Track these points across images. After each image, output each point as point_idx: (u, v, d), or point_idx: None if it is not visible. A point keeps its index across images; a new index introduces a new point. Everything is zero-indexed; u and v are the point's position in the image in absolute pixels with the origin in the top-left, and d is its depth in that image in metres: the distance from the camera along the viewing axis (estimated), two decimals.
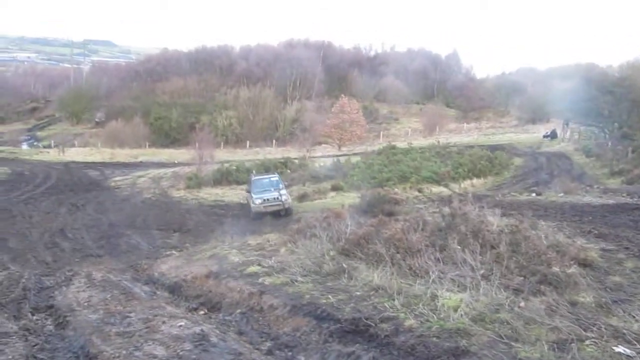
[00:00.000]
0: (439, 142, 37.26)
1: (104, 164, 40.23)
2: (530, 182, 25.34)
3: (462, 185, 25.69)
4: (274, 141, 54.10)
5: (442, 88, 72.17)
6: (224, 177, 30.50)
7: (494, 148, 33.83)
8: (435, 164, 28.96)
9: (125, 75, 64.40)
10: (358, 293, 5.50)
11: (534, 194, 14.85)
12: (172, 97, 58.66)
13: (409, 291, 5.35)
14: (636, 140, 25.42)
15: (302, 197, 24.72)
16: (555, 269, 6.08)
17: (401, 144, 39.43)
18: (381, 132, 55.62)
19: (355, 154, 39.86)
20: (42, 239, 17.96)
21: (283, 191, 21.42)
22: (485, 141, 41.74)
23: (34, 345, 4.77)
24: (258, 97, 57.38)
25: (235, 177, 30.19)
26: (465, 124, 55.93)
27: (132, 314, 5.65)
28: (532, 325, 4.47)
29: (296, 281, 6.08)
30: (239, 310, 5.66)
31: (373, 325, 4.68)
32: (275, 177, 23.27)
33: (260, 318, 5.36)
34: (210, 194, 28.50)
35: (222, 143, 51.55)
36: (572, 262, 6.41)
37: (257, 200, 20.81)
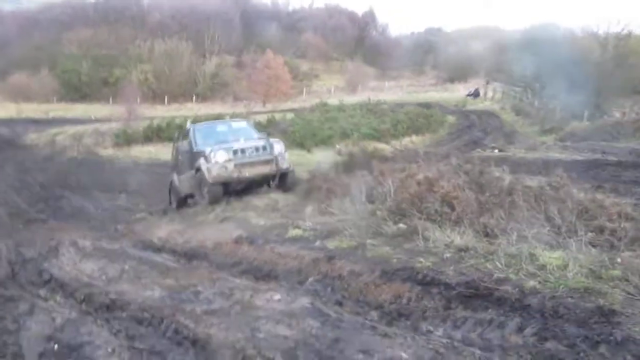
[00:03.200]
0: (369, 99, 37.30)
1: (11, 120, 36.89)
2: (467, 139, 26.12)
3: (402, 142, 25.97)
4: (194, 97, 51.97)
5: (360, 45, 72.25)
6: (155, 134, 28.83)
7: (422, 106, 34.49)
8: (374, 122, 29.03)
9: (24, 23, 58.42)
10: (448, 255, 5.21)
11: (496, 151, 15.18)
12: (81, 49, 54.29)
13: (499, 251, 5.12)
14: (561, 99, 26.78)
15: None
16: (610, 224, 6.12)
17: (330, 101, 39.17)
18: (303, 89, 54.96)
19: (282, 111, 39.14)
20: None
21: (272, 141, 10.79)
22: (411, 99, 42.45)
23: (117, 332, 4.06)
24: (175, 51, 54.52)
25: (168, 134, 28.57)
26: (387, 83, 56.54)
27: (199, 288, 5.02)
28: None
29: (365, 244, 5.67)
30: (311, 279, 5.18)
31: (495, 288, 4.42)
32: (241, 124, 12.72)
33: (346, 286, 4.92)
34: (142, 152, 26.94)
35: (137, 98, 48.73)
36: (617, 217, 6.48)
37: (218, 157, 10.01)
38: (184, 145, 12.07)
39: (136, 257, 7.16)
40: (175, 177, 12.35)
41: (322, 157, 23.84)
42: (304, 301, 4.50)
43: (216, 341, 3.81)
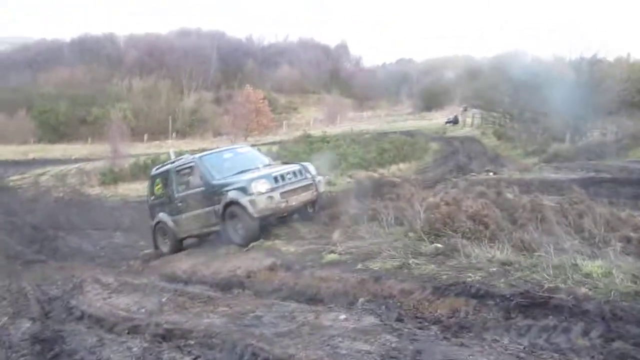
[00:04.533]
0: (352, 129, 37.84)
1: None
2: (452, 165, 26.55)
3: (390, 170, 26.33)
4: (173, 134, 51.98)
5: (335, 77, 73.49)
6: (142, 171, 28.70)
7: (405, 134, 35.12)
8: (359, 151, 29.43)
9: None
10: (493, 269, 5.40)
11: (491, 173, 15.55)
12: (58, 89, 54.08)
13: (542, 263, 5.35)
14: (541, 123, 27.62)
15: None
16: (635, 234, 6.44)
17: (313, 133, 39.57)
18: (283, 122, 55.48)
19: (265, 144, 39.36)
20: None
21: (305, 164, 10.22)
22: (391, 128, 43.18)
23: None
24: (153, 88, 54.78)
25: (162, 164, 28.34)
26: (365, 113, 57.48)
27: (258, 313, 5.12)
28: None
29: (409, 264, 5.85)
30: (361, 299, 5.32)
31: (549, 297, 4.62)
32: (247, 149, 12.05)
33: (399, 304, 5.08)
34: (130, 189, 26.70)
35: (123, 136, 48.39)
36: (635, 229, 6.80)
37: (260, 187, 8.96)
38: (185, 180, 10.54)
39: (170, 290, 7.18)
40: (165, 217, 10.70)
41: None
42: (371, 319, 4.63)
43: None
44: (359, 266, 6.19)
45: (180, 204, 10.38)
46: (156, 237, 11.23)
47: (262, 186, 8.98)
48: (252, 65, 67.74)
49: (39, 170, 33.31)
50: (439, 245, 6.21)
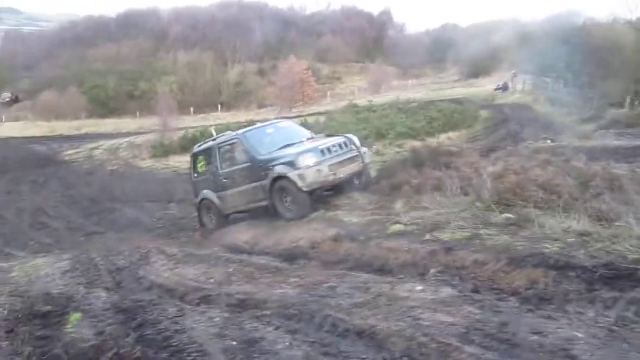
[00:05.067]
0: (398, 98, 37.30)
1: (47, 138, 37.73)
2: (504, 133, 25.89)
3: (440, 139, 25.87)
4: (219, 106, 52.48)
5: (379, 46, 72.30)
6: (191, 144, 29.13)
7: (452, 103, 34.33)
8: (408, 120, 29.03)
9: (49, 43, 59.62)
10: (571, 240, 5.24)
11: (548, 141, 15.07)
12: (106, 65, 55.26)
13: (624, 234, 5.15)
14: (598, 88, 26.54)
15: None
16: None
17: (359, 102, 39.20)
18: (327, 92, 55.15)
19: (311, 115, 39.24)
20: (23, 220, 16.55)
21: (350, 136, 10.24)
22: (438, 96, 42.28)
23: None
24: (198, 62, 55.23)
25: (204, 141, 28.78)
26: (410, 81, 56.51)
27: (332, 284, 5.12)
28: None
29: (480, 235, 5.73)
30: (433, 270, 5.24)
31: (635, 268, 4.45)
32: (287, 123, 12.34)
33: (473, 275, 4.98)
34: (181, 162, 27.14)
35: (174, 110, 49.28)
36: None
37: (308, 161, 8.99)
38: (229, 156, 10.55)
39: (235, 261, 7.26)
40: (210, 194, 10.80)
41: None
42: (449, 291, 4.56)
43: (381, 331, 3.88)
44: (427, 237, 6.11)
45: (225, 181, 10.45)
46: (201, 214, 11.34)
47: (310, 159, 9.00)
48: (294, 35, 67.36)
49: (92, 145, 34.30)
50: (510, 216, 6.06)
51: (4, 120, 46.38)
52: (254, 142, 10.11)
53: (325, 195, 9.80)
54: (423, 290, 4.62)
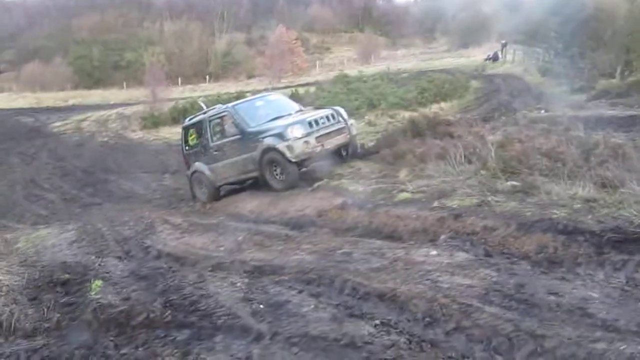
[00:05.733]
0: (388, 68, 37.18)
1: (33, 110, 37.25)
2: (495, 103, 26.00)
3: (431, 109, 25.92)
4: (207, 77, 51.91)
5: (367, 15, 71.58)
6: (181, 115, 28.97)
7: (442, 73, 34.30)
8: (399, 90, 29.02)
9: (33, 12, 58.27)
10: (577, 206, 5.38)
11: (542, 111, 15.21)
12: (91, 34, 54.21)
13: (629, 199, 5.30)
14: (588, 58, 26.61)
15: None
16: None
17: (349, 72, 39.02)
18: (316, 62, 54.73)
19: (300, 85, 39.06)
20: (16, 192, 16.47)
21: (337, 108, 10.38)
22: (428, 66, 42.23)
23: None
24: (184, 31, 54.32)
25: (192, 114, 28.62)
26: (399, 51, 56.22)
27: (346, 250, 5.24)
28: None
29: (488, 201, 5.86)
30: (443, 236, 5.38)
31: None
32: (277, 96, 12.65)
33: (483, 240, 5.12)
34: (172, 132, 26.99)
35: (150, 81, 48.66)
36: None
37: (296, 133, 9.18)
38: (220, 128, 10.71)
39: (242, 229, 7.35)
40: (201, 166, 10.93)
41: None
42: (463, 255, 4.70)
43: (402, 294, 4.01)
44: (435, 204, 6.22)
45: (216, 153, 10.62)
46: (193, 186, 11.51)
47: (297, 131, 9.19)
48: (282, 4, 66.48)
49: (80, 116, 33.94)
50: (516, 183, 6.19)
51: None
52: (243, 114, 10.30)
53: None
54: (438, 255, 4.76)
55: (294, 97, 30.15)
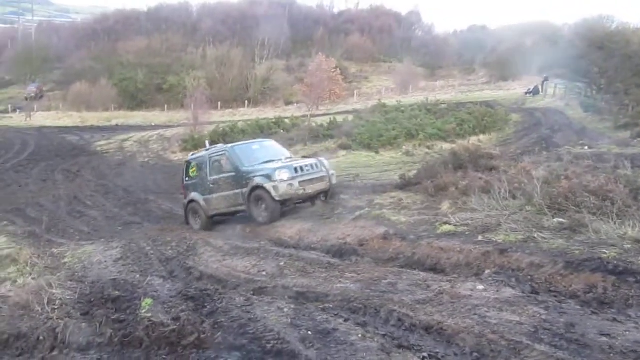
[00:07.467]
0: (427, 99, 37.17)
1: (78, 129, 38.38)
2: (535, 137, 25.74)
3: (470, 142, 25.80)
4: (246, 102, 52.76)
5: (407, 45, 71.94)
6: (221, 138, 29.52)
7: (483, 105, 34.07)
8: (437, 121, 28.97)
9: (81, 34, 60.61)
10: (627, 246, 5.30)
11: (586, 147, 15.00)
12: (137, 57, 55.92)
13: None
14: (633, 94, 26.15)
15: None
16: None
17: (387, 102, 39.15)
18: (354, 91, 55.11)
19: (339, 113, 39.30)
20: (60, 208, 16.94)
21: (321, 159, 11.67)
22: (467, 98, 42.05)
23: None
24: (226, 57, 55.47)
25: (232, 138, 29.26)
26: (438, 82, 56.21)
27: (390, 280, 5.25)
28: None
29: (534, 238, 5.81)
30: (488, 271, 5.34)
31: None
32: (271, 142, 13.76)
33: (529, 277, 5.07)
34: None
35: (191, 105, 49.81)
36: None
37: (282, 176, 10.38)
38: (217, 165, 12.03)
39: (284, 255, 7.42)
40: (197, 196, 12.28)
41: (390, 159, 23.96)
42: (510, 291, 4.66)
43: (449, 327, 4.00)
44: (480, 238, 6.20)
45: (212, 186, 11.98)
46: (187, 213, 12.85)
47: (284, 174, 10.49)
48: (322, 33, 67.38)
49: (123, 136, 34.85)
50: (563, 220, 6.13)
51: (35, 109, 47.20)
52: (240, 155, 11.79)
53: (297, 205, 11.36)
54: (485, 290, 4.73)
55: (332, 125, 30.58)
